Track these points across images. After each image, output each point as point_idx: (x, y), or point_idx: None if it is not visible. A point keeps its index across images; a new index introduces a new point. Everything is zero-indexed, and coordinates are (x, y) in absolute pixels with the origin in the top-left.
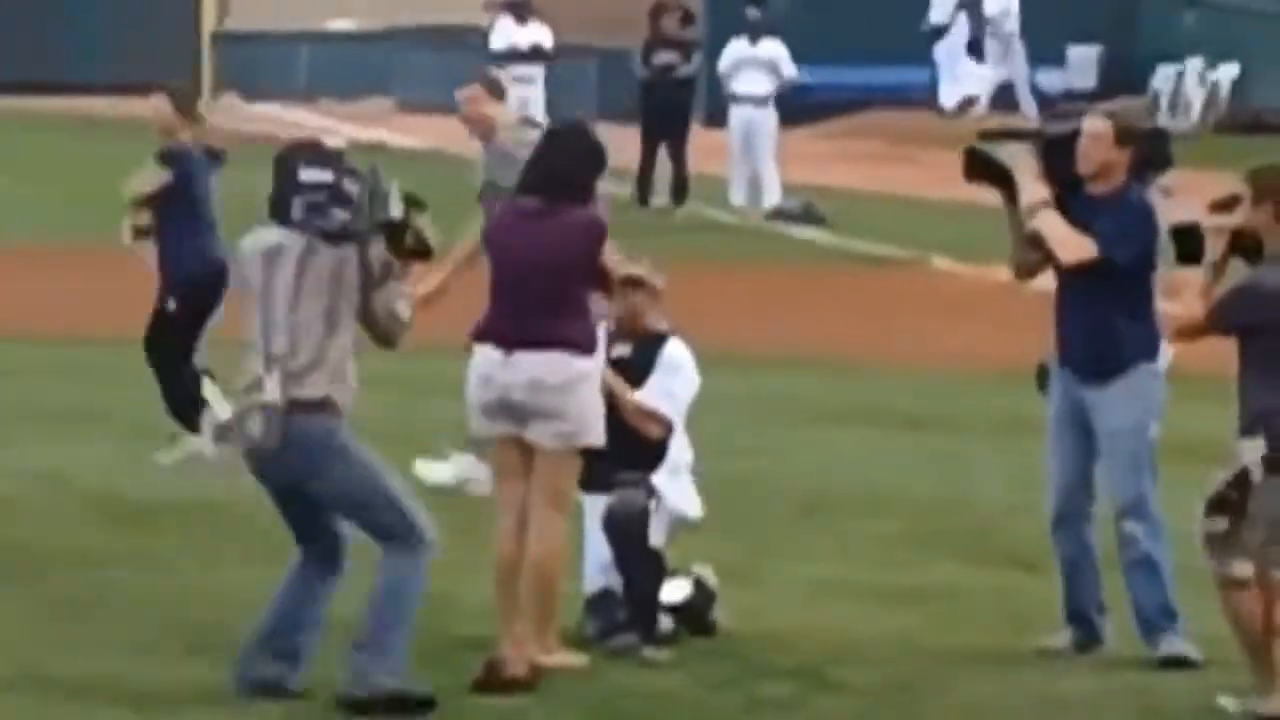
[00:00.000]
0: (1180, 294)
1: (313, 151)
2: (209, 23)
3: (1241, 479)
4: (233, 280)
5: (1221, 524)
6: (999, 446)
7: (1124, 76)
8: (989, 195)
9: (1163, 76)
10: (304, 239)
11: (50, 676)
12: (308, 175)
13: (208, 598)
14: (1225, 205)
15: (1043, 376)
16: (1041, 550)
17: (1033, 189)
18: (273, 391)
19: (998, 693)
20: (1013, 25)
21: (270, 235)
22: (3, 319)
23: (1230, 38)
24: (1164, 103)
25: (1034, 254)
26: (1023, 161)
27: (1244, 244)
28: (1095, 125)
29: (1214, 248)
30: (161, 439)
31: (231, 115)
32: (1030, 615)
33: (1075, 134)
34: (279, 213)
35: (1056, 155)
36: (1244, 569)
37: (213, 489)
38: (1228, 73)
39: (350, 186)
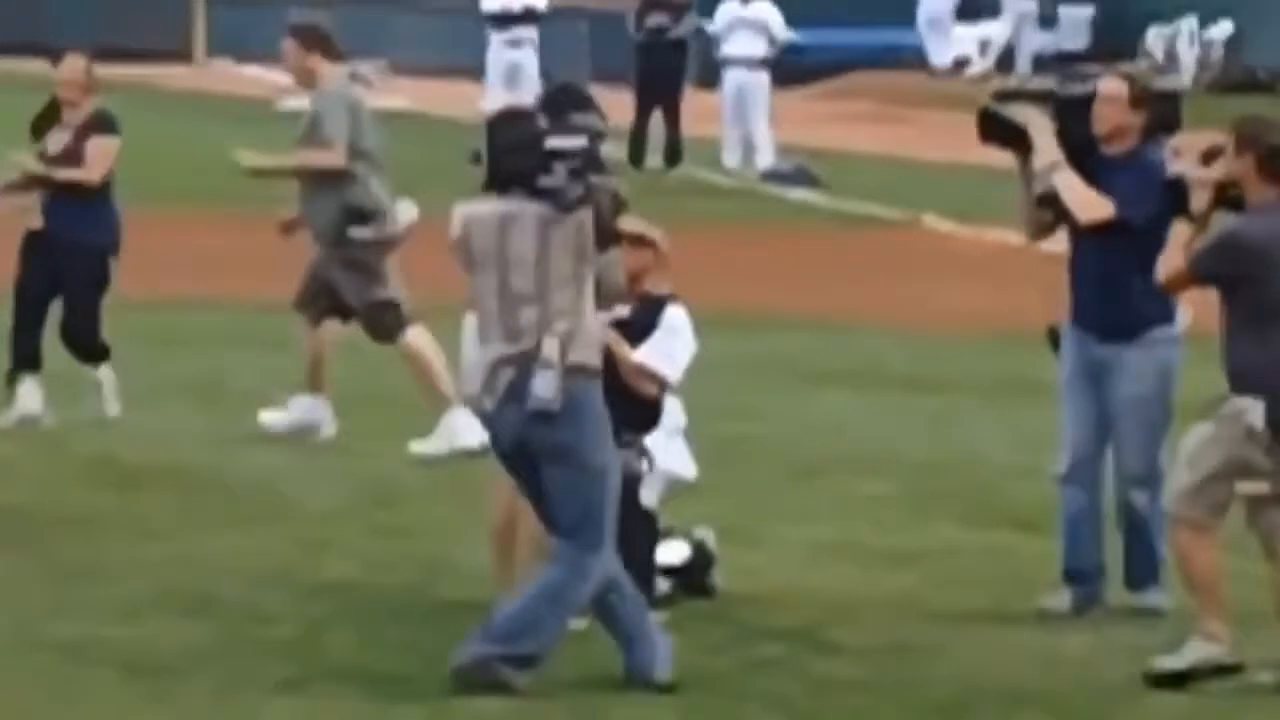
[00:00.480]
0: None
1: (554, 119)
2: None
3: (1252, 437)
4: (456, 248)
5: (1260, 486)
6: (995, 407)
7: (1117, 37)
8: (981, 155)
9: (1155, 36)
10: (539, 205)
11: (43, 639)
12: (560, 142)
13: (198, 563)
14: (1210, 156)
15: (1054, 338)
16: (1038, 511)
17: (1050, 149)
18: (553, 351)
19: (995, 653)
20: None
21: (495, 203)
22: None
23: None
24: (1158, 61)
25: (1046, 214)
26: (1038, 122)
27: (1230, 196)
28: (1111, 87)
29: (1199, 200)
30: (156, 402)
31: (225, 78)
32: (1027, 576)
33: (1089, 96)
34: (512, 180)
35: (1070, 116)
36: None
37: (203, 454)
38: (1221, 31)
39: (603, 150)
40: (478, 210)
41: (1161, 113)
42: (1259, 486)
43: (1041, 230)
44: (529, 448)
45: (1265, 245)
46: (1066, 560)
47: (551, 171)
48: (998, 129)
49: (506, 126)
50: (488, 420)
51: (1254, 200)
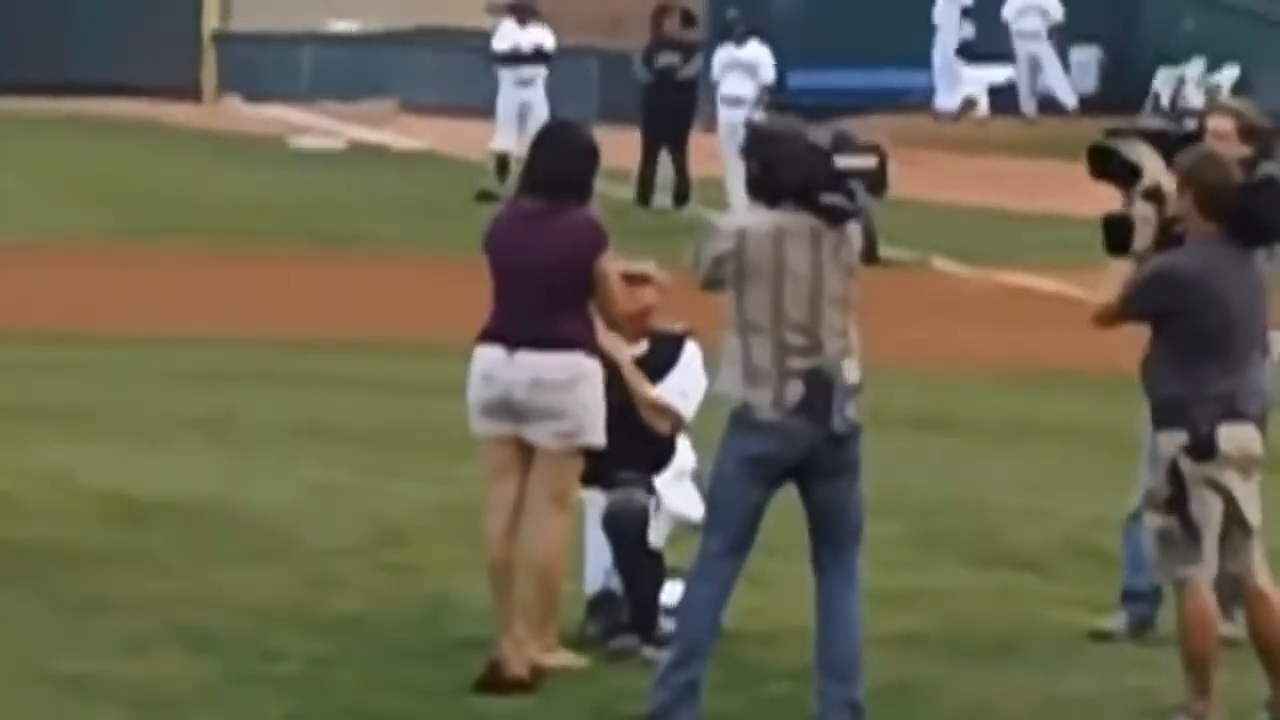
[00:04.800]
0: (1103, 281)
1: (838, 137)
2: (210, 24)
3: (1174, 474)
4: (708, 263)
5: (1164, 521)
6: (1002, 449)
7: (1124, 79)
8: (989, 198)
9: (1163, 79)
10: (813, 220)
11: (49, 674)
12: (850, 162)
13: (204, 599)
14: (1151, 195)
15: None
16: (1044, 553)
17: (1171, 186)
18: (855, 375)
19: (999, 694)
20: (1026, 25)
21: (766, 215)
22: (5, 317)
23: (1232, 40)
24: (1164, 105)
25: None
26: (1151, 159)
27: (1175, 234)
28: (1221, 123)
29: (1142, 238)
30: (164, 438)
31: (234, 116)
32: (1033, 617)
33: (1196, 134)
34: (788, 193)
35: (1176, 154)
36: (1190, 570)
37: (210, 490)
38: (1228, 76)
39: (888, 171)
40: (749, 222)
41: (1265, 148)
42: (1169, 522)
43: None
44: (818, 463)
45: (1199, 277)
46: (1125, 581)
47: (837, 189)
48: (1110, 164)
49: (781, 138)
50: (769, 430)
51: (1194, 235)
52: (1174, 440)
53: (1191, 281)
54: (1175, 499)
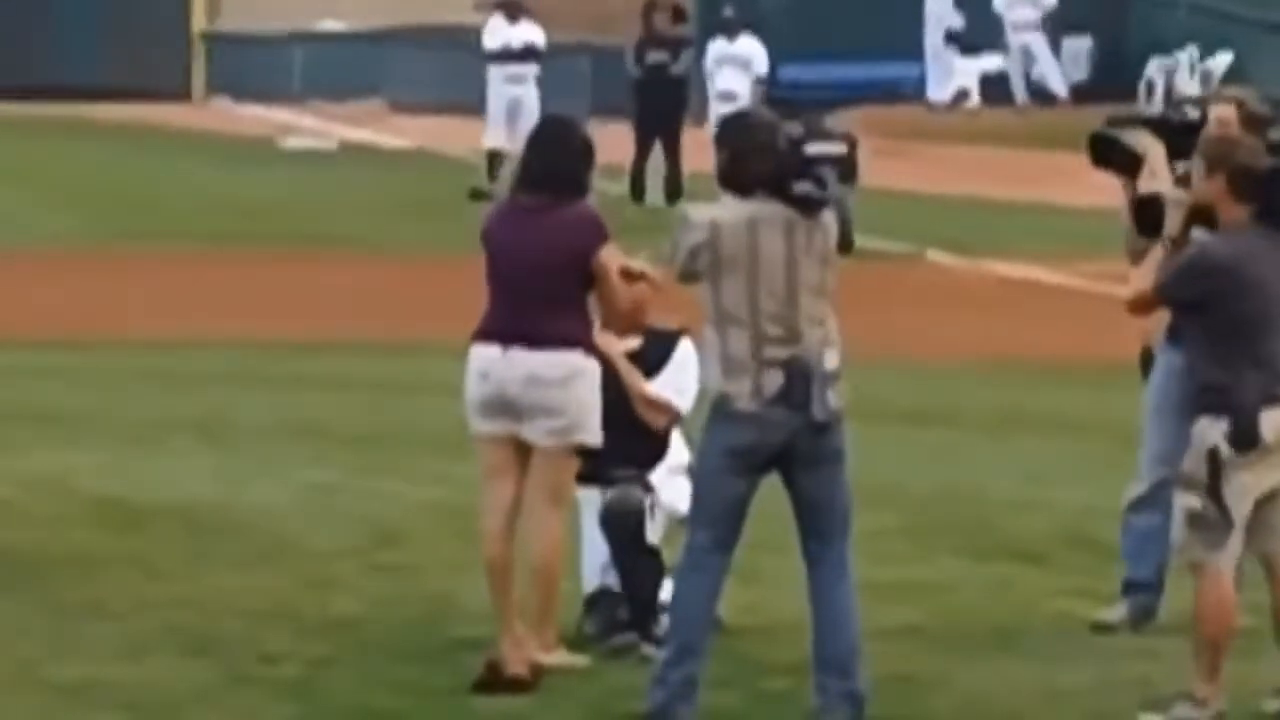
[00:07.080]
0: (1138, 270)
1: (809, 126)
2: (199, 24)
3: (1212, 460)
4: (683, 256)
5: (1198, 503)
6: (996, 440)
7: (1117, 68)
8: (982, 189)
9: (1156, 67)
10: (785, 209)
11: (47, 679)
12: (820, 148)
13: (201, 603)
14: (1183, 179)
15: (1146, 361)
16: (1040, 543)
17: (1167, 175)
18: (835, 363)
19: (998, 686)
20: (1019, 15)
21: (739, 205)
22: None
23: (1223, 27)
24: (1158, 93)
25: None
26: (1153, 147)
27: (1206, 218)
28: (1223, 112)
29: (1173, 221)
30: (159, 441)
31: (223, 117)
32: (1029, 608)
33: (1200, 122)
34: (759, 183)
35: (1177, 142)
36: (1215, 556)
37: (206, 493)
38: (1221, 63)
39: (858, 158)
40: (722, 214)
41: (1182, 145)
42: (1194, 503)
43: (1143, 255)
44: (800, 452)
45: (1234, 263)
46: (1127, 571)
47: (808, 177)
48: (1112, 153)
49: (750, 129)
50: (748, 420)
51: (1226, 220)
52: (1215, 427)
53: (1226, 267)
54: (1211, 484)
